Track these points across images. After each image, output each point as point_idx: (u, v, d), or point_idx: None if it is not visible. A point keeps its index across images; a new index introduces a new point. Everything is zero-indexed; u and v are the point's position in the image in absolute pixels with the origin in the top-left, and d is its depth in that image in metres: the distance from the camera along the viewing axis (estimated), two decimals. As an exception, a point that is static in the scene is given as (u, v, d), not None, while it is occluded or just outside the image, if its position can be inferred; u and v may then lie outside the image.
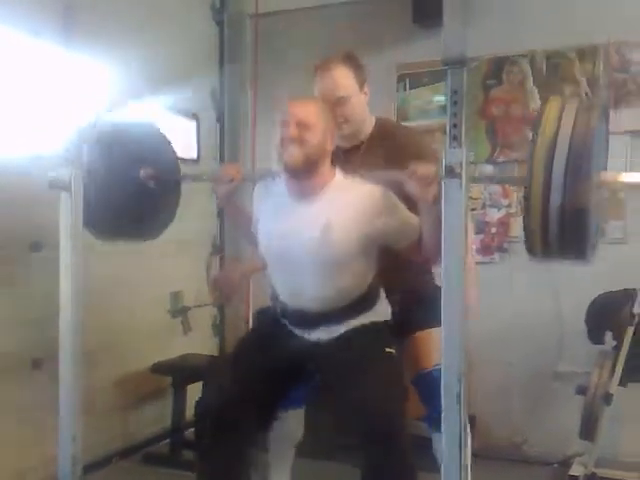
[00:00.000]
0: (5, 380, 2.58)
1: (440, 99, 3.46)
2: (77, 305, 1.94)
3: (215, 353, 3.83)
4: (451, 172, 1.41)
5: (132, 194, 2.14)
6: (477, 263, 3.30)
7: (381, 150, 2.26)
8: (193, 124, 3.71)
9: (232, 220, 2.48)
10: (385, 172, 2.02)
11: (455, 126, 1.42)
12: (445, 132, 1.47)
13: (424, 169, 1.78)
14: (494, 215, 3.43)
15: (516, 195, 3.39)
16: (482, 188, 3.43)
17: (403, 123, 3.58)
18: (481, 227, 3.44)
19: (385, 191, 2.01)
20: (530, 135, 3.34)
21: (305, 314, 2.08)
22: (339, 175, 2.09)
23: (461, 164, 1.41)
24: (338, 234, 1.99)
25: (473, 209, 3.38)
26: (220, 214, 3.94)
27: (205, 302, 3.72)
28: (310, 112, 2.02)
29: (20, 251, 2.65)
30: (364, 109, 2.30)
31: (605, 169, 1.69)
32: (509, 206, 3.42)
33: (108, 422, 3.04)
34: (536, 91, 3.36)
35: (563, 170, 1.45)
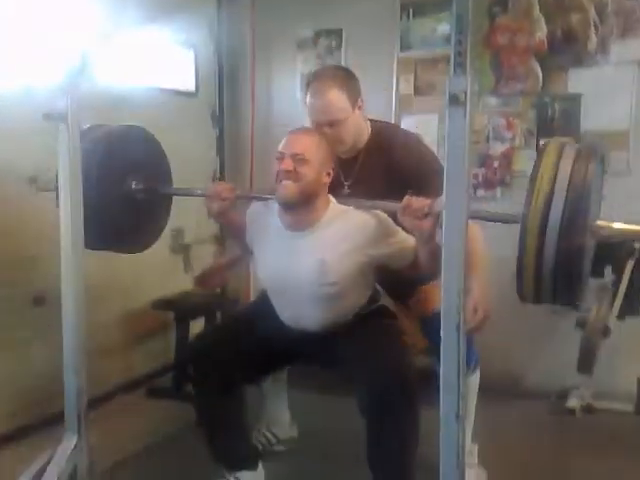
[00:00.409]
0: (7, 317, 2.59)
1: (444, 29, 3.36)
2: (79, 239, 1.93)
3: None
4: (455, 101, 1.36)
5: (122, 206, 2.14)
6: (478, 199, 3.30)
7: (379, 160, 2.23)
8: (191, 54, 3.62)
9: (227, 229, 2.51)
10: (379, 202, 1.99)
11: (460, 54, 1.36)
12: (449, 62, 1.41)
13: (418, 203, 1.78)
14: (497, 148, 3.37)
15: (520, 128, 3.34)
16: (486, 120, 3.37)
17: (407, 54, 3.50)
18: (483, 160, 3.40)
19: (380, 219, 2.00)
20: (535, 67, 3.27)
21: (304, 331, 2.14)
22: (333, 205, 2.07)
23: (465, 93, 1.35)
24: (334, 272, 2.00)
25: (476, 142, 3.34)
26: (220, 149, 3.90)
27: (205, 240, 3.73)
28: (306, 145, 1.98)
29: (18, 186, 2.62)
30: (359, 125, 2.26)
31: (598, 214, 1.71)
32: (513, 139, 3.36)
33: (112, 357, 3.07)
34: (542, 20, 3.24)
35: (557, 232, 1.47)
